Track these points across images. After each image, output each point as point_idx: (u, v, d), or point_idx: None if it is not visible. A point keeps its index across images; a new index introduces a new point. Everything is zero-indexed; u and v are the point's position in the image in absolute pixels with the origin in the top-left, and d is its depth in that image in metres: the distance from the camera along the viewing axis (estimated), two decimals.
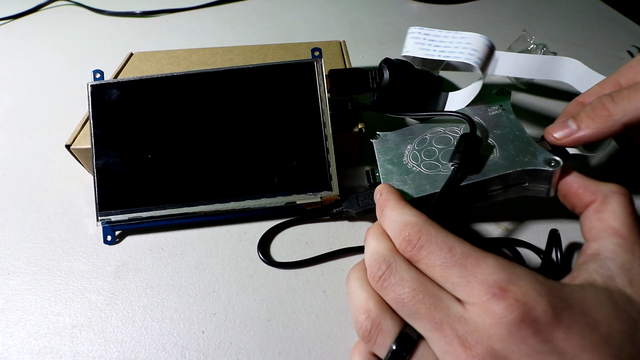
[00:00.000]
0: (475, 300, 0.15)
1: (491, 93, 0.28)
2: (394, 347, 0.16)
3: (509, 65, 0.28)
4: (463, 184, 0.23)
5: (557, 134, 0.23)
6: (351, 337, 0.22)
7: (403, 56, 0.29)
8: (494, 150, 0.24)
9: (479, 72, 0.27)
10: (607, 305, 0.15)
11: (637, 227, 0.18)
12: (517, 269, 0.16)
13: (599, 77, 0.32)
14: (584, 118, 0.22)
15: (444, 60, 0.27)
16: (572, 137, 0.23)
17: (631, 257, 0.17)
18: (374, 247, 0.19)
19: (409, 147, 0.27)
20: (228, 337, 0.23)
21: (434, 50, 0.27)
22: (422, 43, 0.27)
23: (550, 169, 0.21)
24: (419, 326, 0.16)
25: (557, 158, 0.21)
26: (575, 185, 0.21)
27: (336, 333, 0.23)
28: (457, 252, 0.16)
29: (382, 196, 0.21)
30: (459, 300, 0.16)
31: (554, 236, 0.24)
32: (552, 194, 0.23)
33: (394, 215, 0.20)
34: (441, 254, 0.17)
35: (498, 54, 0.29)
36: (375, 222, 0.21)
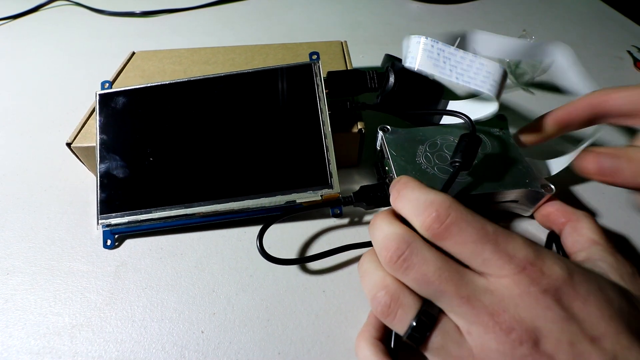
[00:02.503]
0: (505, 272, 0.16)
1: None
2: (414, 324, 0.17)
3: (490, 46, 0.29)
4: (471, 193, 0.25)
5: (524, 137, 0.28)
6: (351, 337, 0.22)
7: (407, 67, 0.28)
8: (499, 167, 0.26)
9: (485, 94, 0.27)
10: (614, 287, 0.17)
11: (608, 238, 0.21)
12: (540, 247, 0.17)
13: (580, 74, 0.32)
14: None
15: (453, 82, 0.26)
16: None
17: (615, 259, 0.19)
18: (387, 229, 0.19)
19: (420, 147, 0.27)
20: (227, 337, 0.23)
21: (451, 71, 0.26)
22: (437, 59, 0.26)
23: (545, 193, 0.24)
24: (443, 303, 0.17)
25: (551, 185, 0.25)
26: (555, 207, 0.25)
27: (336, 333, 0.23)
28: (489, 229, 0.17)
29: (401, 181, 0.21)
30: (480, 274, 0.17)
31: (552, 237, 0.24)
32: (530, 213, 0.27)
33: (415, 194, 0.19)
34: (474, 231, 0.17)
35: (481, 34, 0.29)
36: (384, 210, 0.21)
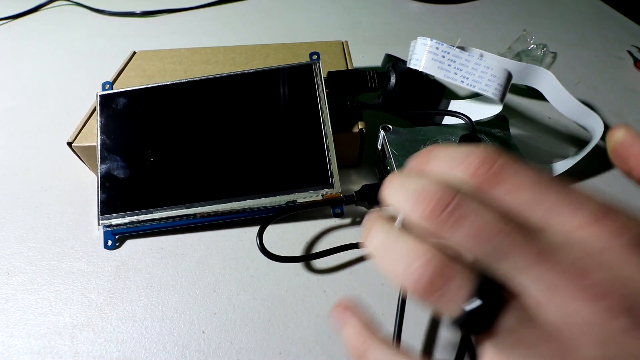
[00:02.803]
0: (578, 223, 0.12)
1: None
2: (478, 302, 0.12)
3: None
4: None
5: None
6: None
7: (412, 68, 0.28)
8: None
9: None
10: None
11: None
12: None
13: (569, 95, 0.32)
14: None
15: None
16: None
17: None
18: (420, 181, 0.14)
19: (422, 147, 0.27)
20: (228, 336, 0.23)
21: (455, 74, 0.26)
22: (441, 62, 0.26)
23: None
24: (507, 266, 0.12)
25: None
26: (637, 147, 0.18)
27: (337, 333, 0.23)
28: (546, 175, 0.13)
29: (427, 147, 0.17)
30: (543, 231, 0.13)
31: None
32: None
33: (450, 150, 0.15)
34: (531, 174, 0.13)
35: (482, 53, 0.29)
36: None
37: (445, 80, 0.26)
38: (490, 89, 0.25)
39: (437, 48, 0.26)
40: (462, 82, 0.26)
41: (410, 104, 0.30)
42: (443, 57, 0.26)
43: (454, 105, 0.31)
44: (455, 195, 0.13)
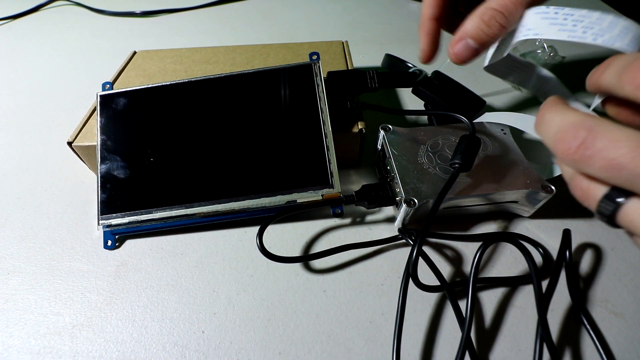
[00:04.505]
0: None
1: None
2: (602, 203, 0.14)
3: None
4: (472, 193, 0.25)
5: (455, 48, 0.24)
6: (351, 337, 0.22)
7: (522, 40, 0.24)
8: (499, 168, 0.26)
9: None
10: None
11: None
12: None
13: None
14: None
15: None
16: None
17: None
18: (559, 121, 0.15)
19: (422, 147, 0.27)
20: (228, 336, 0.23)
21: (576, 28, 0.21)
22: (555, 18, 0.22)
23: (545, 194, 0.24)
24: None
25: (552, 186, 0.24)
26: None
27: (336, 333, 0.23)
28: None
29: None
30: None
31: (566, 234, 0.25)
32: (530, 214, 0.27)
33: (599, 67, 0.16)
34: None
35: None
36: (552, 98, 0.18)
37: (572, 41, 0.22)
38: (624, 41, 0.21)
39: (548, 10, 0.22)
40: (592, 38, 0.21)
41: (444, 100, 0.31)
42: (556, 13, 0.22)
43: (488, 117, 0.30)
44: (587, 132, 0.14)
